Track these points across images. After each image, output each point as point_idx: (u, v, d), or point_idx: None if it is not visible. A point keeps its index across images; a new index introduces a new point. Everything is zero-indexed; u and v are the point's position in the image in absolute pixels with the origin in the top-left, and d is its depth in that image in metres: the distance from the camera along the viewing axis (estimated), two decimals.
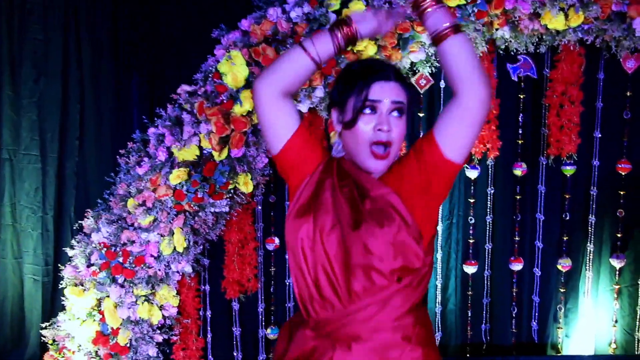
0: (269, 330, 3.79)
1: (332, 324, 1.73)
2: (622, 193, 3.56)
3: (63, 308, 3.55)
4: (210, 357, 3.78)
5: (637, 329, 3.65)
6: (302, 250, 1.73)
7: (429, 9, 1.64)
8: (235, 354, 3.79)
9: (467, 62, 1.62)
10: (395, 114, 1.72)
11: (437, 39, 1.63)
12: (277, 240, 3.70)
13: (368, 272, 1.68)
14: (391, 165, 1.76)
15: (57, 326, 3.50)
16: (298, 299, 1.79)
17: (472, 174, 3.54)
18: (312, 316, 1.76)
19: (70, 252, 3.45)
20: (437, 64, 3.35)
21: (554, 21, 3.04)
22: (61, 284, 3.49)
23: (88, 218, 3.44)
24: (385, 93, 1.72)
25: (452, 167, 1.69)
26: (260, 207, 3.69)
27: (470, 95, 1.61)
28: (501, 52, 3.39)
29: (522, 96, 3.55)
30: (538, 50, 3.34)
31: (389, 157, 1.73)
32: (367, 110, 1.71)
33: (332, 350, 1.73)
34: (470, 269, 3.64)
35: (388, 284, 1.68)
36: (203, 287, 3.74)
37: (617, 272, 3.64)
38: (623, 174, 3.52)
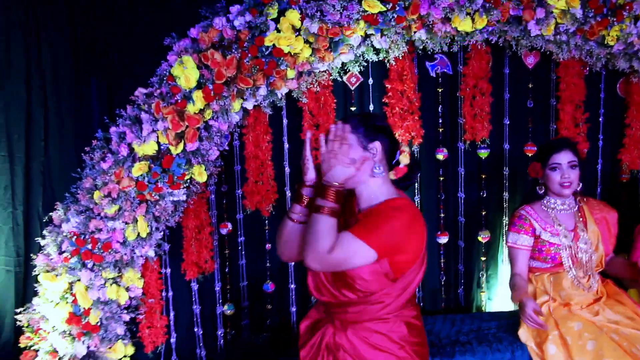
0: (225, 307, 4.13)
1: (330, 310, 2.33)
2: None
3: (34, 295, 3.80)
4: (173, 333, 4.08)
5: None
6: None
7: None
8: (196, 329, 4.11)
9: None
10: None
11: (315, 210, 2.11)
12: (229, 225, 4.05)
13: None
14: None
15: (32, 310, 3.76)
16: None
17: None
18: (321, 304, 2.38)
19: (42, 242, 3.73)
20: (365, 64, 3.80)
21: (463, 24, 3.48)
22: (34, 272, 3.75)
23: (58, 210, 3.74)
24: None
25: None
26: (213, 196, 4.03)
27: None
28: (420, 52, 3.79)
29: (440, 90, 3.95)
30: (452, 50, 3.76)
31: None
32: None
33: (332, 322, 2.34)
34: None
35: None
36: (164, 270, 4.04)
37: None
38: (530, 154, 3.97)
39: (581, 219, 3.22)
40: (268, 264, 4.13)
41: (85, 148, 3.72)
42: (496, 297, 4.12)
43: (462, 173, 4.03)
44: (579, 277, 3.15)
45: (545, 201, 3.27)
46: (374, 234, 2.07)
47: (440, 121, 3.99)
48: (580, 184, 3.20)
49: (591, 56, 3.68)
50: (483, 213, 4.07)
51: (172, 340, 4.11)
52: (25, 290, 4.02)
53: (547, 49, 3.70)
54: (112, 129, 3.65)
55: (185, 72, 3.49)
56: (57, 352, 3.75)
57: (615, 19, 3.43)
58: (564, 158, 3.16)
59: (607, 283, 3.25)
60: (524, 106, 3.97)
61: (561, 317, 3.07)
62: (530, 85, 3.95)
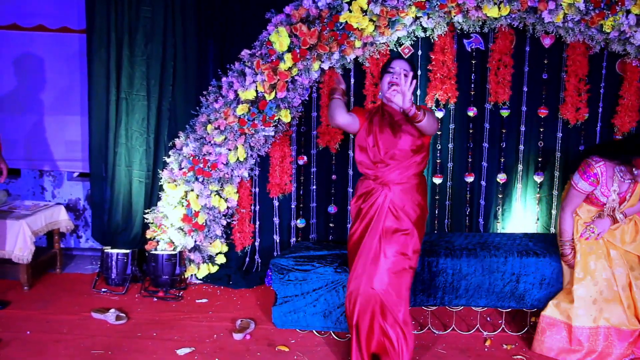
0: (298, 221, 5.26)
1: (382, 177, 3.68)
2: (541, 130, 4.97)
3: (158, 200, 5.07)
4: (257, 238, 5.26)
5: (551, 225, 5.07)
6: (369, 145, 3.70)
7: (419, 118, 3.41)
8: (274, 237, 5.27)
9: (430, 127, 3.53)
10: (403, 75, 3.48)
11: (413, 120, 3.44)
12: (305, 158, 5.17)
13: (398, 152, 3.64)
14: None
15: (157, 211, 5.06)
16: (365, 166, 3.77)
17: (439, 114, 4.97)
18: (372, 174, 3.71)
19: (167, 160, 4.98)
20: (415, 39, 4.91)
21: (491, 11, 4.50)
22: (160, 183, 5.03)
23: (180, 137, 4.98)
24: (398, 64, 3.60)
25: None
26: (294, 134, 5.13)
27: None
28: (458, 31, 4.81)
29: (473, 61, 4.92)
30: (483, 31, 4.78)
31: (398, 92, 3.47)
32: (389, 71, 3.59)
33: (382, 188, 3.70)
34: (437, 180, 5.09)
35: (407, 158, 3.66)
36: (254, 189, 5.20)
37: (539, 185, 5.05)
38: (542, 116, 4.93)
39: (632, 187, 3.86)
40: (333, 191, 5.25)
41: (203, 92, 4.93)
42: (508, 227, 5.13)
43: (487, 128, 5.01)
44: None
45: (619, 169, 3.81)
46: None
47: (472, 86, 4.99)
48: None
49: (592, 40, 4.66)
50: (502, 160, 5.04)
51: (256, 243, 5.29)
52: (151, 197, 5.27)
53: (557, 33, 4.68)
54: (223, 79, 4.83)
55: (280, 39, 4.60)
56: (173, 242, 5.01)
57: (610, 12, 4.42)
58: None
59: None
60: (540, 77, 4.91)
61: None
62: (545, 61, 4.88)
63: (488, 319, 4.45)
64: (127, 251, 5.10)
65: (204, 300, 4.83)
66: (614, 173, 3.84)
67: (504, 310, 4.28)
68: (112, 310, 4.45)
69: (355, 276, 3.62)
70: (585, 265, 3.91)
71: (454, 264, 4.20)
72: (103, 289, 4.99)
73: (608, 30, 4.50)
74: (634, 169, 3.72)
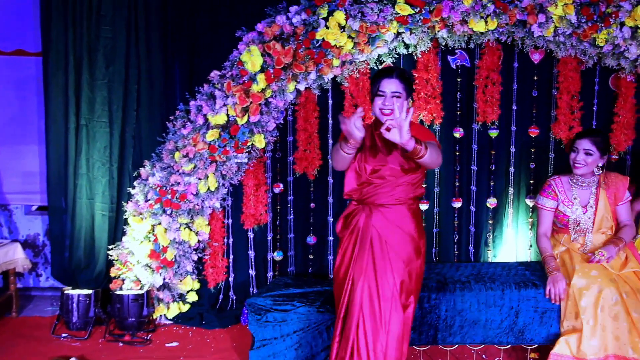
0: (275, 254, 4.94)
1: (366, 197, 3.25)
2: (532, 150, 4.71)
3: (123, 235, 4.73)
4: (232, 273, 4.93)
5: None
6: (359, 165, 3.25)
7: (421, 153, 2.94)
8: (250, 271, 4.94)
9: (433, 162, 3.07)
10: (395, 97, 3.11)
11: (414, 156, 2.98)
12: (281, 186, 4.87)
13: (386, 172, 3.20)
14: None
15: (122, 247, 4.71)
16: (351, 188, 3.30)
17: None
18: (357, 195, 3.29)
19: (132, 191, 4.65)
20: (396, 56, 4.61)
21: (477, 25, 4.24)
22: (124, 216, 4.68)
23: (146, 166, 4.64)
24: (387, 86, 3.11)
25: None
26: (269, 161, 4.85)
27: None
28: (443, 47, 4.55)
29: (459, 79, 4.67)
30: (469, 46, 4.49)
31: (391, 115, 3.06)
32: (379, 95, 3.13)
33: (363, 210, 3.28)
34: (423, 207, 4.79)
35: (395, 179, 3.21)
36: (227, 220, 4.88)
37: (531, 209, 4.78)
38: (533, 136, 4.68)
39: (595, 197, 3.93)
40: (312, 220, 4.94)
41: (170, 117, 4.62)
42: (500, 254, 4.84)
43: (475, 149, 4.74)
44: (575, 238, 3.94)
45: (571, 176, 3.98)
46: None
47: (458, 105, 4.71)
48: (600, 171, 3.97)
49: (585, 54, 4.40)
50: (492, 184, 4.78)
51: (231, 279, 4.95)
52: (116, 232, 4.93)
53: (547, 48, 4.43)
54: (192, 103, 4.53)
55: (252, 59, 4.33)
56: (140, 281, 4.67)
57: (603, 25, 4.16)
58: (582, 144, 3.87)
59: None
60: (530, 95, 4.66)
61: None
62: (535, 78, 4.64)
63: (484, 356, 4.10)
64: (90, 292, 4.69)
65: (175, 344, 4.43)
66: (571, 185, 3.98)
67: (502, 348, 3.93)
68: (73, 359, 4.04)
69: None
70: (584, 296, 3.63)
71: (447, 299, 3.86)
72: (63, 334, 4.57)
73: (601, 44, 4.24)
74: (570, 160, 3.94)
